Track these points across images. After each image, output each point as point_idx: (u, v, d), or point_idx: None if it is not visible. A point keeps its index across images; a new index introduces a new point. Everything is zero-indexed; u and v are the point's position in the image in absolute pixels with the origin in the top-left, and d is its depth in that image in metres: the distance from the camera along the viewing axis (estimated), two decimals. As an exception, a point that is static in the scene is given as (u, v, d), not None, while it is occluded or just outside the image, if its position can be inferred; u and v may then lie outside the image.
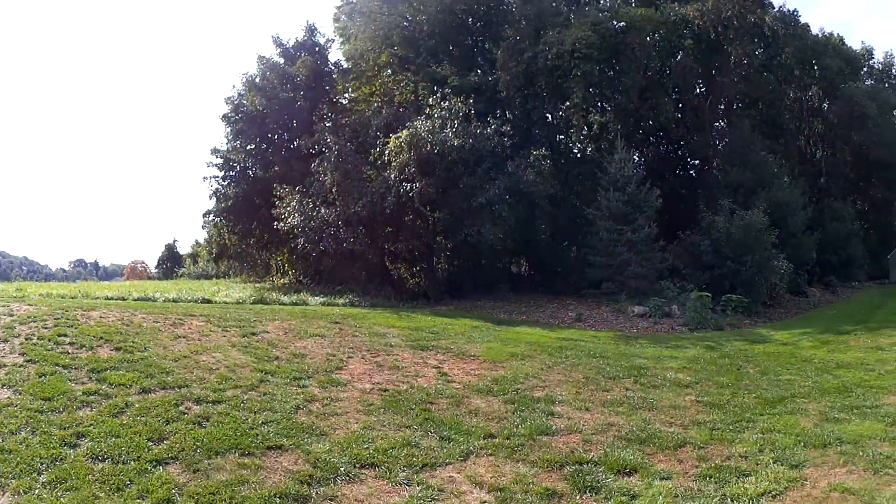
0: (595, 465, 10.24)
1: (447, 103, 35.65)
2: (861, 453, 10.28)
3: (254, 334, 19.34)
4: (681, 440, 11.49)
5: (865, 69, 71.94)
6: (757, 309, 33.19)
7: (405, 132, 34.12)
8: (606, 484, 9.55)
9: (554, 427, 12.14)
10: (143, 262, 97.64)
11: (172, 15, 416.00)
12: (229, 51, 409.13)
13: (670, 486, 9.53)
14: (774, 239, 36.12)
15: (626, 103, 43.06)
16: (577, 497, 9.18)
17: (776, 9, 51.89)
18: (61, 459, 9.69)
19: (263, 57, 48.16)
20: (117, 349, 15.67)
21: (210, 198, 49.54)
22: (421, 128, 34.03)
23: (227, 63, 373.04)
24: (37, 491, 8.72)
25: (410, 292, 36.03)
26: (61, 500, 8.55)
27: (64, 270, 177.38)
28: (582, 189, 41.06)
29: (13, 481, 8.94)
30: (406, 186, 33.16)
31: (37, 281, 67.87)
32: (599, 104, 46.45)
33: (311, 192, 37.12)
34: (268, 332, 19.88)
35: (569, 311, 31.09)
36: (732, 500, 9.05)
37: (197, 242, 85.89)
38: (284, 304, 28.89)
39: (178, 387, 13.32)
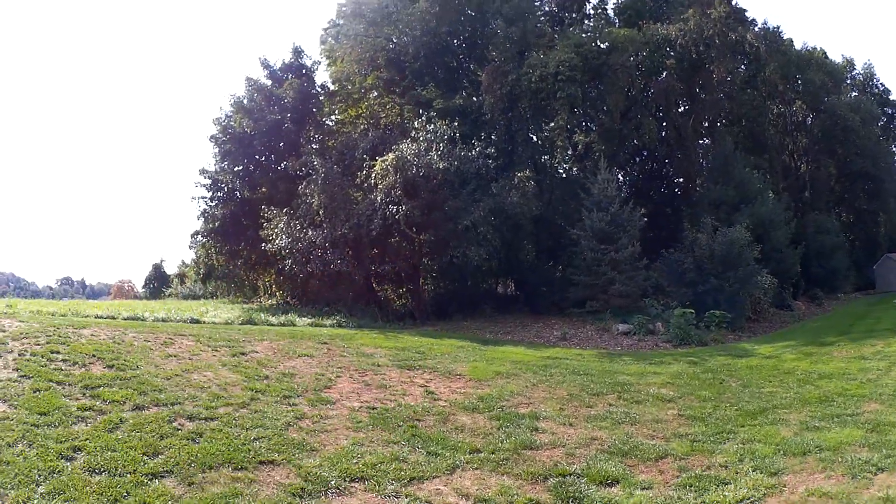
0: (577, 477, 10.38)
1: (432, 126, 36.16)
2: (840, 459, 10.44)
3: (244, 354, 19.45)
4: (662, 452, 11.66)
5: (848, 81, 72.83)
6: (741, 324, 33.36)
7: (391, 155, 34.45)
8: (588, 494, 9.69)
9: (538, 441, 12.27)
10: (130, 282, 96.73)
11: (162, 36, 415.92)
12: (219, 71, 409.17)
13: (650, 495, 9.70)
14: (758, 254, 36.31)
15: (610, 123, 43.45)
16: (559, 507, 9.18)
17: (758, 26, 52.32)
18: (58, 472, 9.73)
19: (251, 78, 48.48)
20: (110, 367, 15.73)
21: (198, 218, 49.93)
22: (406, 151, 34.43)
23: (217, 84, 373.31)
24: (35, 501, 8.82)
25: (397, 313, 36.23)
26: (60, 510, 8.51)
27: (51, 288, 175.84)
28: (566, 209, 41.05)
29: (11, 492, 9.00)
30: (392, 209, 33.42)
31: (24, 297, 67.67)
32: (584, 124, 46.80)
33: (299, 214, 37.34)
34: (257, 352, 19.99)
35: (553, 330, 31.19)
36: (711, 508, 9.19)
37: (184, 263, 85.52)
38: (273, 325, 28.93)
39: (171, 404, 13.38)
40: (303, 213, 37.23)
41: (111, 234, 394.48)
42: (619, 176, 45.70)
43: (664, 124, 50.35)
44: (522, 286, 43.31)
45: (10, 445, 10.52)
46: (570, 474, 10.54)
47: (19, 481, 9.38)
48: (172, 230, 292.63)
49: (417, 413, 14.28)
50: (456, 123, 38.07)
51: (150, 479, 9.79)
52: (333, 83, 51.25)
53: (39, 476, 9.59)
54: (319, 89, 50.31)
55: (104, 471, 9.90)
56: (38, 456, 10.19)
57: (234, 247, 48.07)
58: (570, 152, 46.83)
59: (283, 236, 36.62)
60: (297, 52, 50.30)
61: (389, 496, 9.80)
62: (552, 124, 41.80)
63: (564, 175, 48.61)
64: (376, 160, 35.42)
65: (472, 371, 19.24)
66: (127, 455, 10.47)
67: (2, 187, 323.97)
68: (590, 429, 13.28)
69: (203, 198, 48.87)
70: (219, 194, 48.78)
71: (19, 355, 15.75)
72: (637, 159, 53.75)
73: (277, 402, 14.43)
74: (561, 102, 39.60)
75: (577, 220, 36.79)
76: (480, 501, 9.54)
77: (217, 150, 48.04)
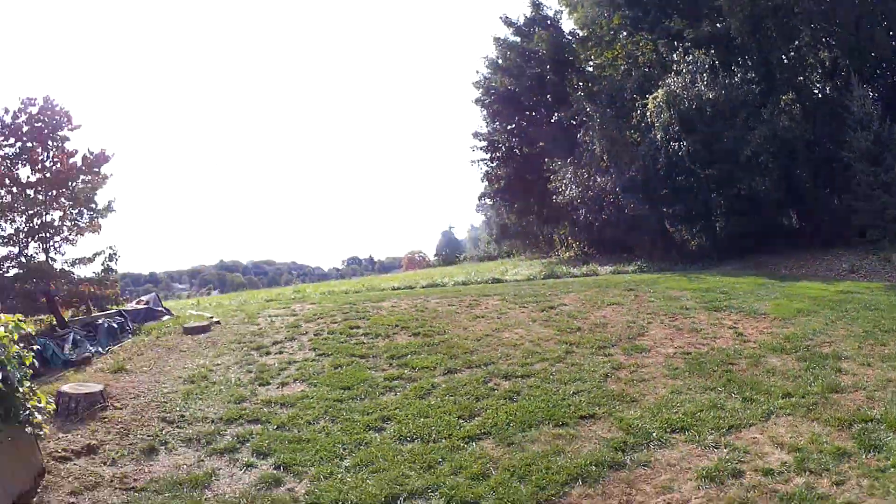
0: (878, 423, 10.24)
1: (690, 57, 35.76)
2: None
3: (552, 308, 20.14)
4: (953, 396, 11.48)
5: None
6: None
7: (660, 91, 34.50)
8: (887, 443, 9.57)
9: (842, 384, 12.15)
10: (421, 252, 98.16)
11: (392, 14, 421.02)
12: (455, 36, 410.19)
13: (943, 444, 9.59)
14: None
15: (846, 36, 41.65)
16: (864, 456, 9.27)
17: None
18: (366, 444, 10.55)
19: (499, 38, 49.40)
20: (415, 335, 16.87)
21: (481, 181, 52.03)
22: (674, 85, 34.37)
23: (456, 47, 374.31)
24: (339, 475, 9.50)
25: (693, 254, 36.15)
26: (368, 482, 9.27)
27: (338, 269, 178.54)
28: (830, 130, 39.49)
29: (312, 469, 9.76)
30: (674, 146, 33.52)
31: (311, 282, 70.39)
32: (824, 39, 45.07)
33: (583, 163, 38.02)
34: (565, 305, 20.63)
35: (842, 262, 30.04)
36: None
37: (472, 226, 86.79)
38: (575, 276, 29.57)
39: (483, 365, 14.21)
40: (586, 160, 37.85)
41: (392, 211, 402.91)
42: (868, 91, 43.62)
43: (890, 33, 47.75)
44: (805, 217, 41.91)
45: (310, 423, 11.46)
46: (871, 420, 10.38)
47: (321, 457, 10.16)
48: (455, 196, 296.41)
49: (730, 356, 14.40)
50: (713, 52, 37.41)
51: (466, 443, 10.44)
52: (581, 29, 50.57)
53: (344, 450, 10.39)
54: (570, 38, 50.14)
55: (416, 438, 10.67)
56: (343, 430, 11.09)
57: (524, 203, 49.28)
58: (819, 71, 45.20)
59: (573, 186, 37.53)
60: (536, 5, 50.56)
61: (709, 447, 9.91)
62: (797, 42, 40.69)
63: (820, 96, 47.00)
64: (647, 98, 35.55)
65: (776, 309, 18.96)
66: (441, 420, 11.31)
67: (276, 179, 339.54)
68: (885, 369, 12.93)
69: (482, 160, 50.95)
70: (497, 154, 50.39)
71: (315, 335, 17.03)
72: (878, 73, 51.18)
73: (592, 354, 15.02)
74: (800, 18, 38.38)
75: (843, 141, 35.06)
76: (793, 450, 9.59)
77: (484, 111, 49.64)
